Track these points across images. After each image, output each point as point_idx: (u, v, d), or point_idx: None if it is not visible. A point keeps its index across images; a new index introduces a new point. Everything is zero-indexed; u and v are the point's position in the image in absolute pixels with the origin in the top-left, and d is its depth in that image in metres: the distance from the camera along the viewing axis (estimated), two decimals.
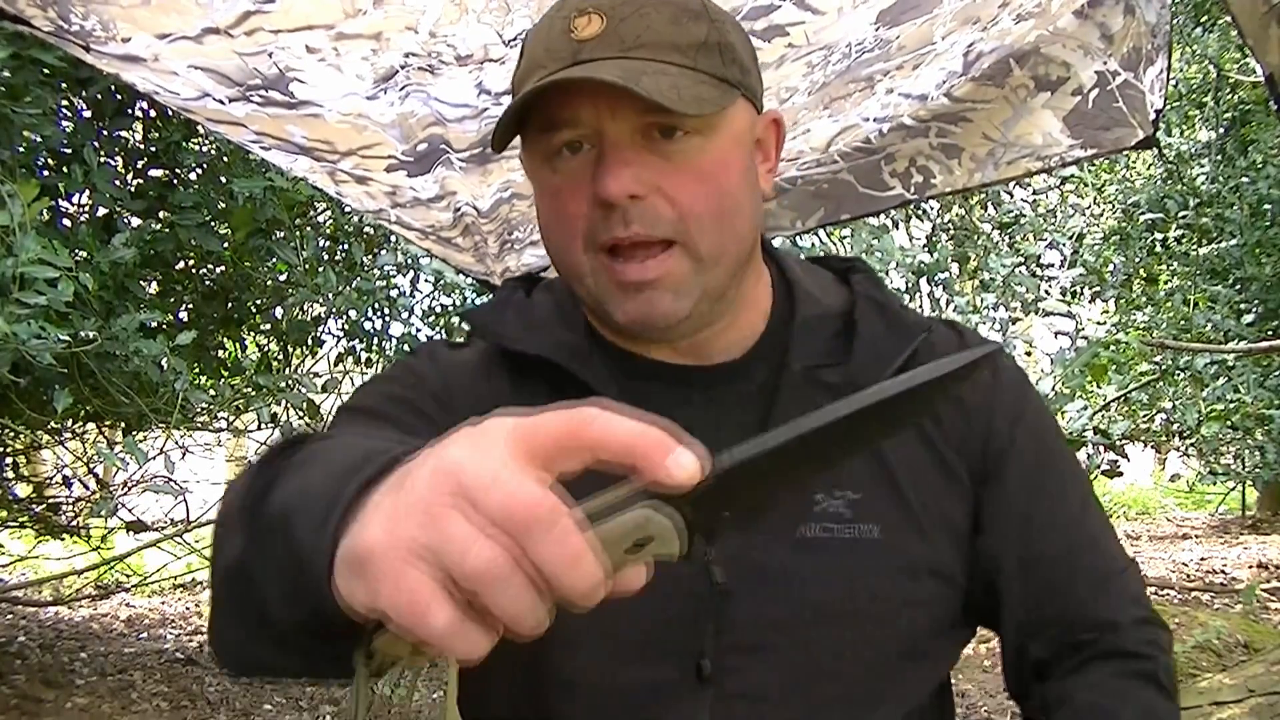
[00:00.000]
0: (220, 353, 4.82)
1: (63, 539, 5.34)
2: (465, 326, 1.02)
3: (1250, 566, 7.37)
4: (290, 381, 4.56)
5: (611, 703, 0.86)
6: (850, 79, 1.88)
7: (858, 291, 0.99)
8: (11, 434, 4.44)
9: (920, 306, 5.75)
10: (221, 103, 1.68)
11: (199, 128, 4.13)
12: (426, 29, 1.68)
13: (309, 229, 4.57)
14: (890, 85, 1.90)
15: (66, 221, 3.98)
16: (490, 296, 1.06)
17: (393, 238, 4.67)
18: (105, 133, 3.95)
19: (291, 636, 0.61)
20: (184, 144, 4.10)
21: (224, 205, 4.06)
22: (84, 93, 3.90)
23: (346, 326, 4.80)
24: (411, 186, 1.97)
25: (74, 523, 5.00)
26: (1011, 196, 6.56)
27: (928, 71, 1.86)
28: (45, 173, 3.79)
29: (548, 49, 0.86)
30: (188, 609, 6.36)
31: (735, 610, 0.86)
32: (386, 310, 4.85)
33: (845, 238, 5.83)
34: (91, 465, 5.04)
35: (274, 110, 1.72)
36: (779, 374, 0.93)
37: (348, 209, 2.01)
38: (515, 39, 1.72)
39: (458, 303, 5.14)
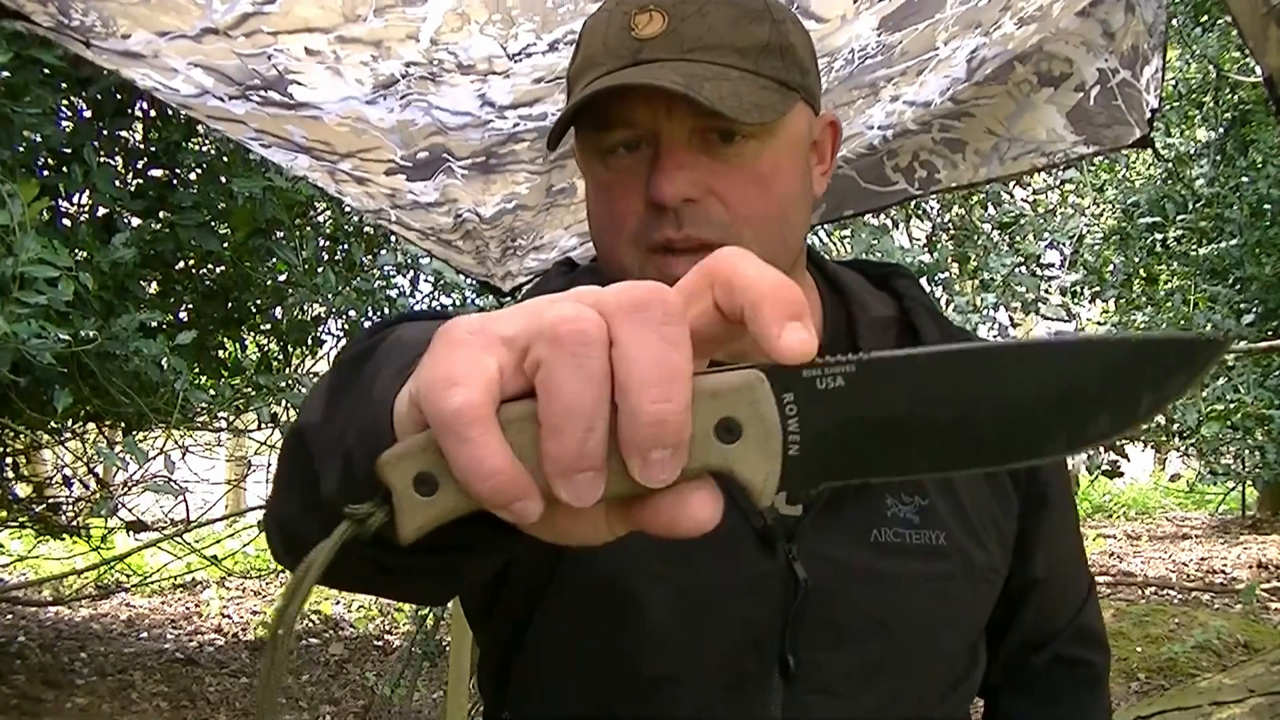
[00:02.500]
0: (220, 353, 4.82)
1: (63, 539, 5.34)
2: None
3: (1250, 566, 7.37)
4: (290, 381, 4.56)
5: (692, 698, 0.87)
6: (854, 85, 1.88)
7: (910, 297, 0.99)
8: (11, 434, 4.44)
9: None
10: (221, 100, 1.68)
11: (199, 127, 4.14)
12: (428, 36, 1.68)
13: (309, 229, 4.57)
14: (895, 93, 1.89)
15: (66, 221, 3.98)
16: (545, 277, 1.04)
17: (393, 237, 4.67)
18: (105, 133, 3.95)
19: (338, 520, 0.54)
20: (184, 144, 4.09)
21: (224, 205, 4.06)
22: (84, 93, 3.90)
23: (346, 326, 4.80)
24: (411, 190, 1.96)
25: (74, 523, 5.00)
26: (1012, 196, 6.56)
27: (932, 79, 1.86)
28: (45, 173, 3.79)
29: (606, 45, 0.85)
30: (188, 609, 6.36)
31: (817, 608, 0.87)
32: (386, 310, 4.85)
33: (845, 238, 5.83)
34: (91, 465, 5.04)
35: (273, 110, 1.72)
36: None
37: (348, 208, 2.01)
38: (520, 53, 1.71)
39: (458, 302, 5.14)
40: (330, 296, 4.38)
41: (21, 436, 4.54)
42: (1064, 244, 6.86)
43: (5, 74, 3.32)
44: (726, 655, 0.87)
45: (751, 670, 0.87)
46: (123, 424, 4.31)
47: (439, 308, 5.21)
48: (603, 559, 0.82)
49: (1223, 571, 7.32)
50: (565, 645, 0.89)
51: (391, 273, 5.00)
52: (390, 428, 0.47)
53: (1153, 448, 9.76)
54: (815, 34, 1.72)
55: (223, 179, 4.00)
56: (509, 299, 2.38)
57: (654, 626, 0.86)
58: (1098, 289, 7.27)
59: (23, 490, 5.14)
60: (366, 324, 4.80)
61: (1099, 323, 7.62)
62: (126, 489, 4.59)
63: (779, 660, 0.87)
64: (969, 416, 0.41)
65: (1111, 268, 7.36)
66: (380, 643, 5.87)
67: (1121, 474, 6.04)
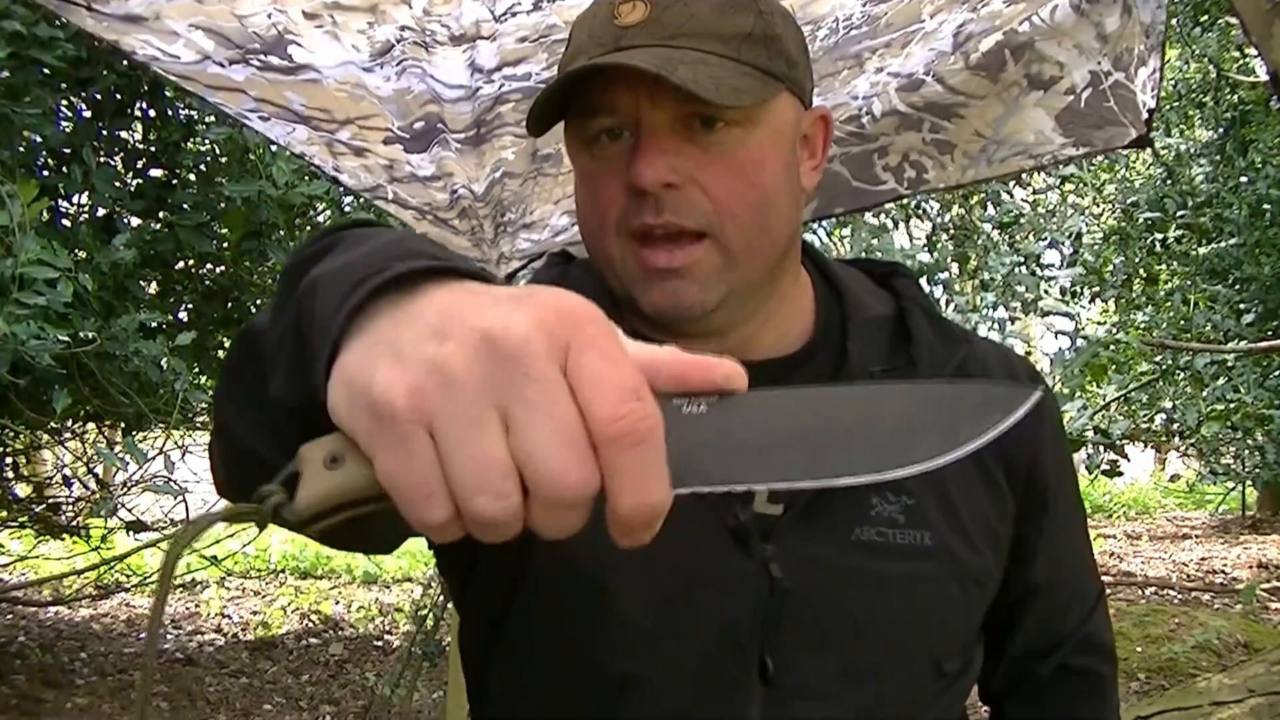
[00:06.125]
0: (220, 353, 4.82)
1: (63, 539, 5.34)
2: None
3: (1250, 566, 7.37)
4: None
5: (669, 699, 0.85)
6: (839, 56, 1.88)
7: (906, 297, 0.98)
8: (11, 434, 4.45)
9: None
10: (221, 65, 1.67)
11: (197, 127, 4.14)
12: (420, 5, 1.68)
13: (308, 229, 4.57)
14: (879, 64, 1.89)
15: (66, 221, 3.98)
16: (539, 269, 1.03)
17: None
18: (105, 133, 3.95)
19: (284, 425, 0.55)
20: (183, 145, 4.10)
21: (223, 206, 4.06)
22: (84, 93, 3.91)
23: None
24: (409, 162, 1.96)
25: (74, 523, 5.00)
26: (1011, 196, 6.56)
27: (918, 50, 1.86)
28: (45, 173, 3.80)
29: (591, 34, 0.86)
30: (188, 609, 6.36)
31: (795, 608, 0.86)
32: None
33: (845, 237, 5.84)
34: (91, 465, 5.04)
35: (273, 75, 1.72)
36: (837, 374, 0.92)
37: (345, 186, 2.00)
38: (505, 14, 1.72)
39: None
40: None
41: (21, 436, 4.55)
42: (1064, 243, 6.87)
43: (5, 74, 3.32)
44: (704, 656, 0.85)
45: (730, 671, 0.85)
46: (122, 424, 4.32)
47: None
48: (576, 556, 0.82)
49: (1223, 571, 7.32)
50: (540, 644, 0.88)
51: None
52: (324, 392, 0.48)
53: (1153, 448, 9.77)
54: (800, 0, 1.71)
55: (221, 179, 4.00)
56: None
57: (628, 625, 0.85)
58: (1098, 289, 7.27)
59: (23, 490, 5.14)
60: None
61: (1099, 322, 7.62)
62: (126, 489, 4.59)
63: (758, 662, 0.85)
64: (808, 445, 0.48)
65: (1111, 268, 7.36)
66: (380, 643, 5.87)
67: (1121, 474, 6.05)
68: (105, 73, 3.77)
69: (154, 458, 4.37)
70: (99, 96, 3.88)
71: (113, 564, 5.99)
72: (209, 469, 0.71)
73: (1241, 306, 6.57)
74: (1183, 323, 6.62)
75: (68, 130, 3.92)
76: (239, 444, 0.65)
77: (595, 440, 0.42)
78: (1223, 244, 6.69)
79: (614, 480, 0.43)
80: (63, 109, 4.02)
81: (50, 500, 5.09)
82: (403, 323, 0.46)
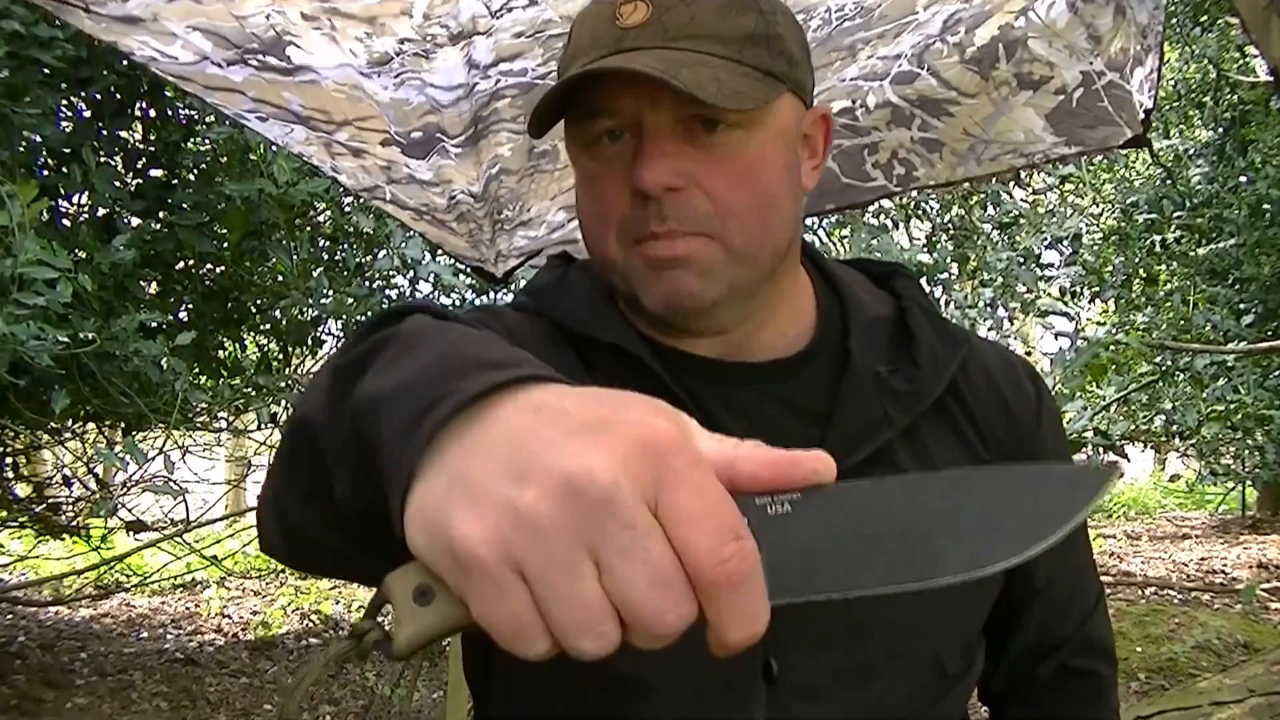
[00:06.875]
0: (220, 353, 4.83)
1: (63, 539, 5.34)
2: (525, 299, 0.98)
3: (1250, 566, 7.36)
4: (290, 381, 4.57)
5: (671, 701, 0.85)
6: (832, 48, 1.88)
7: (907, 297, 0.98)
8: (11, 434, 4.45)
9: None
10: (219, 66, 1.68)
11: (197, 127, 4.15)
12: (421, 11, 1.69)
13: (308, 229, 4.57)
14: (870, 53, 1.90)
15: (66, 222, 3.99)
16: (538, 272, 1.03)
17: (392, 239, 4.67)
18: (105, 133, 3.96)
19: (352, 522, 0.56)
20: (183, 144, 4.11)
21: (222, 206, 4.07)
22: (84, 93, 3.91)
23: (346, 327, 4.81)
24: (407, 164, 1.96)
25: (74, 523, 5.01)
26: (1011, 196, 6.56)
27: (908, 37, 1.87)
28: (45, 173, 3.80)
29: (593, 35, 0.85)
30: (188, 609, 6.37)
31: (798, 608, 0.84)
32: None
33: (845, 237, 5.84)
34: (91, 465, 5.05)
35: (270, 76, 1.72)
36: (840, 375, 0.92)
37: (343, 186, 2.00)
38: (501, 9, 1.72)
39: (457, 303, 5.14)
40: (324, 300, 4.38)
41: (21, 437, 4.55)
42: (1063, 243, 6.87)
43: (5, 74, 3.33)
44: (707, 657, 0.84)
45: (733, 672, 0.84)
46: (122, 424, 4.32)
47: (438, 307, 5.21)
48: None
49: (1223, 571, 7.32)
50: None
51: (391, 274, 5.01)
52: (402, 506, 0.48)
53: (1153, 448, 9.78)
54: None
55: (220, 179, 4.01)
56: (502, 287, 2.38)
57: None
58: (1097, 289, 7.27)
59: (23, 490, 5.14)
60: None
61: (1099, 322, 7.62)
62: (126, 489, 4.60)
63: (761, 663, 0.85)
64: (897, 543, 0.47)
65: (1111, 268, 7.36)
66: None
67: (1121, 474, 6.05)
68: (105, 73, 3.78)
69: (154, 458, 4.38)
70: (99, 96, 3.89)
71: (113, 564, 6.00)
72: (255, 528, 0.72)
73: (1241, 307, 6.57)
74: (1182, 323, 6.62)
75: (68, 130, 3.93)
76: (303, 533, 0.66)
77: (695, 581, 0.43)
78: (1222, 244, 6.70)
79: (717, 616, 0.44)
80: (63, 109, 4.02)
81: (50, 500, 5.10)
82: (475, 455, 0.46)
